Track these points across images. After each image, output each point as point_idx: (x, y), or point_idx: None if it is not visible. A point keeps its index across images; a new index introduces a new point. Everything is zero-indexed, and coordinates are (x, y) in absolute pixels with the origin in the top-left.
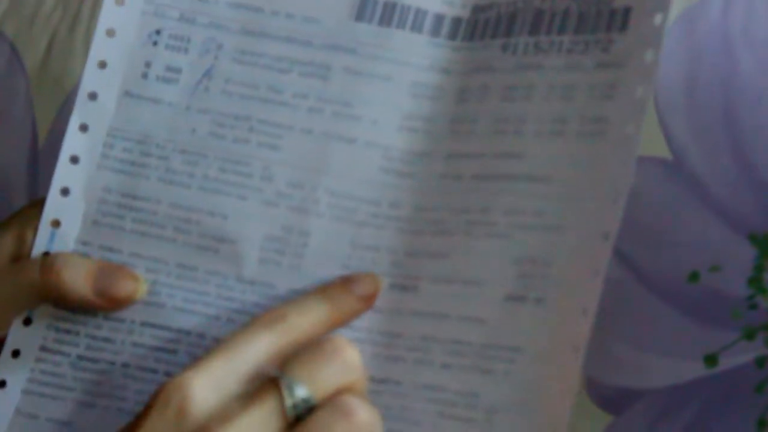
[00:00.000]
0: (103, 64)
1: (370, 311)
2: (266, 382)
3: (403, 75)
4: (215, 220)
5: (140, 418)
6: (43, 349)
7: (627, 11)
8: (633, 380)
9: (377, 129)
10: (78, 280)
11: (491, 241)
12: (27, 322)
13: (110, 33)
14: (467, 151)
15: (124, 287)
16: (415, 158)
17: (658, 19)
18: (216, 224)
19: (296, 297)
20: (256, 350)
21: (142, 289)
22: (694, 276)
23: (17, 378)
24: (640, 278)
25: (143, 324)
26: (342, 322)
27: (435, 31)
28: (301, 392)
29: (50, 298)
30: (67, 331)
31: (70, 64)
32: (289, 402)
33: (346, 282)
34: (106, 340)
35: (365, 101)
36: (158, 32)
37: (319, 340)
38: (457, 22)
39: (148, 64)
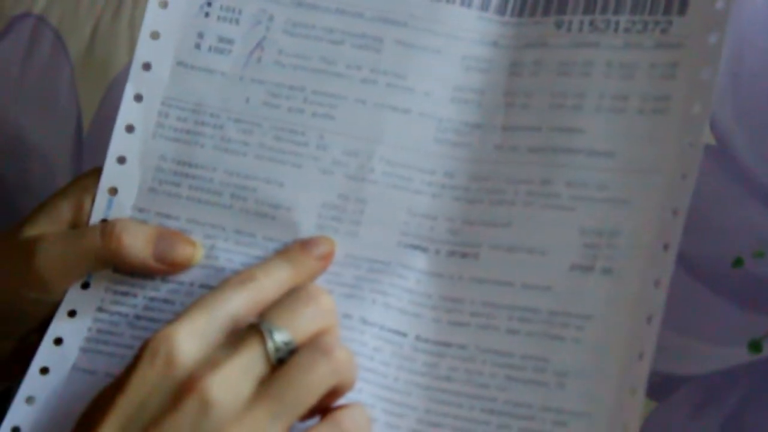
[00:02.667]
0: (156, 35)
1: (427, 276)
2: (248, 330)
3: (454, 48)
4: (271, 188)
5: (129, 370)
6: (100, 310)
7: None
8: (677, 366)
9: (430, 100)
10: (138, 245)
11: (554, 212)
12: (85, 285)
13: (163, 4)
14: (523, 124)
15: (182, 252)
16: (468, 129)
17: (720, 3)
18: (272, 192)
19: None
20: (232, 304)
21: (199, 254)
22: (738, 261)
23: (74, 336)
24: (684, 264)
25: (202, 286)
26: (304, 279)
27: (484, 6)
28: (282, 336)
29: (110, 263)
30: (125, 293)
31: (114, 52)
32: (271, 346)
33: (304, 245)
34: (165, 301)
35: (418, 73)
36: (210, 4)
37: (295, 288)
38: None
39: (200, 35)
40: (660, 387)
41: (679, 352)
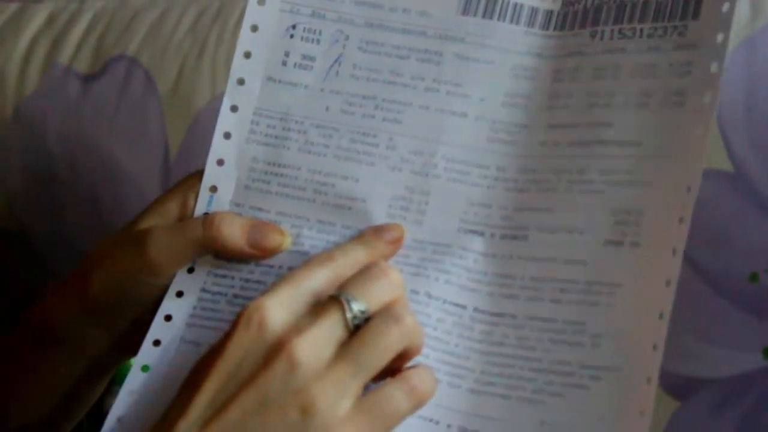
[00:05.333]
0: (248, 55)
1: (483, 256)
2: (329, 301)
3: (505, 60)
4: (348, 183)
5: (226, 336)
6: (204, 290)
7: (699, 1)
8: (698, 369)
9: (484, 105)
10: (235, 234)
11: (589, 197)
12: (190, 270)
13: (254, 28)
14: (564, 122)
15: (272, 239)
16: (517, 129)
17: (726, 7)
18: (349, 186)
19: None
20: (314, 279)
21: (287, 241)
22: (754, 277)
23: (181, 313)
24: (705, 278)
25: (290, 269)
26: (376, 260)
27: (531, 22)
28: (358, 305)
29: (211, 250)
30: (224, 276)
31: (197, 89)
32: (349, 314)
33: (377, 230)
34: (258, 282)
35: (473, 82)
36: (294, 27)
37: (368, 265)
38: (549, 14)
39: (286, 54)
40: (683, 388)
41: (699, 356)
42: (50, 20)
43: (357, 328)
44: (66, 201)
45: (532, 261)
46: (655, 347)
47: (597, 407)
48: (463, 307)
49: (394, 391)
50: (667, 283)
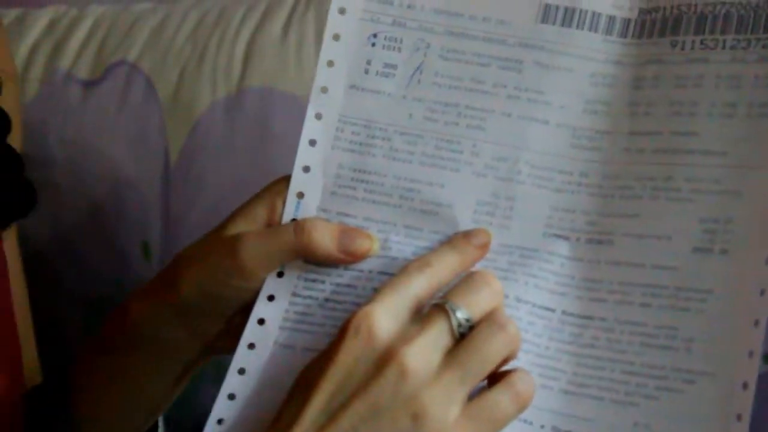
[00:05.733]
0: (331, 63)
1: (570, 260)
2: (434, 309)
3: (584, 67)
4: (434, 189)
5: (336, 344)
6: (295, 294)
7: None
8: None
9: (565, 112)
10: (325, 240)
11: (677, 204)
12: (280, 274)
13: (336, 37)
14: (647, 130)
15: (362, 245)
16: (599, 135)
17: None
18: (434, 192)
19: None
20: (415, 286)
21: (375, 246)
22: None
23: (274, 317)
24: None
25: (380, 272)
26: (468, 265)
27: (609, 30)
28: (463, 314)
29: (302, 255)
30: (314, 280)
31: (198, 94)
32: (455, 322)
33: (466, 236)
34: (349, 286)
35: (554, 89)
36: (375, 35)
37: (471, 273)
38: (626, 22)
39: (368, 62)
40: None
41: None
42: (51, 26)
43: (462, 336)
44: (66, 206)
45: (620, 265)
46: (751, 354)
47: (693, 411)
48: (552, 310)
49: (500, 396)
50: (762, 292)
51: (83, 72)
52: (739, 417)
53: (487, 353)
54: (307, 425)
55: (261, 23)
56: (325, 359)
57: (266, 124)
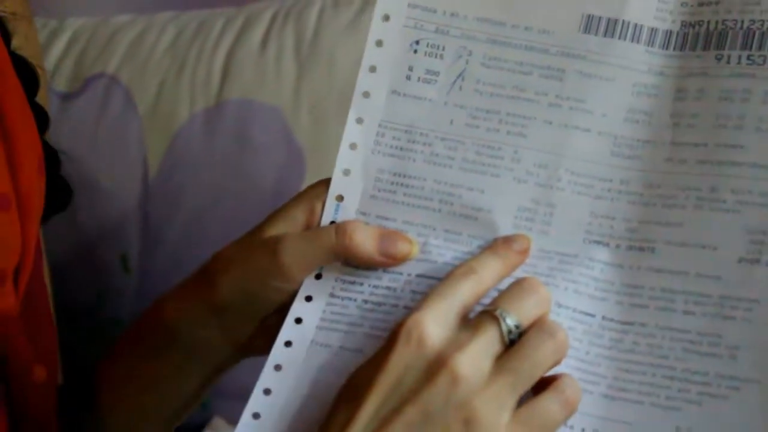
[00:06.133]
0: (373, 69)
1: (610, 267)
2: (484, 316)
3: (626, 77)
4: (474, 194)
5: (386, 350)
6: (332, 296)
7: None
8: None
9: (606, 121)
10: (366, 242)
11: (722, 215)
12: (318, 276)
13: (379, 43)
14: (691, 141)
15: (402, 248)
16: (640, 144)
17: None
18: (475, 197)
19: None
20: (462, 292)
21: (415, 250)
22: None
23: (311, 317)
24: None
25: (419, 276)
26: (510, 270)
27: (651, 42)
28: (513, 321)
29: (342, 257)
30: (352, 282)
31: (177, 107)
32: (505, 329)
33: (507, 241)
34: (388, 288)
35: (595, 98)
36: (417, 42)
37: (519, 280)
38: (668, 34)
39: (410, 68)
40: None
41: None
42: None
43: (512, 343)
44: None
45: (662, 273)
46: None
47: (737, 417)
48: (592, 315)
49: (550, 403)
50: None
51: (62, 84)
52: None
53: (537, 360)
54: (358, 429)
55: (240, 36)
56: (376, 365)
57: (245, 136)
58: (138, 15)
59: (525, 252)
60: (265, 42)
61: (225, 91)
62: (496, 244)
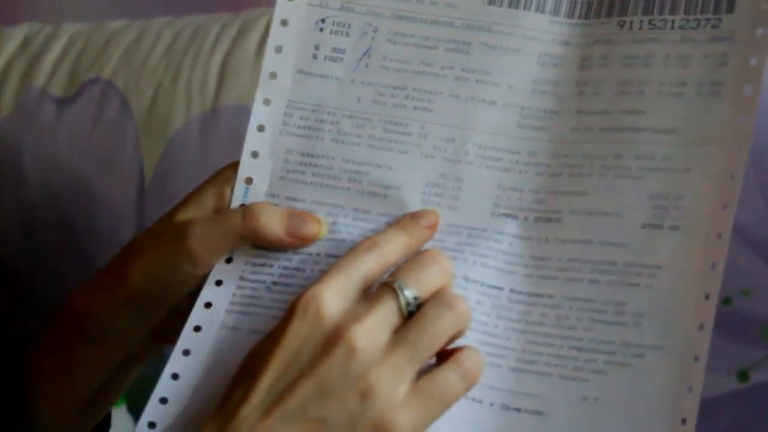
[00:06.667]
0: (279, 49)
1: (518, 239)
2: (383, 288)
3: (531, 47)
4: (382, 171)
5: (284, 324)
6: (242, 279)
7: None
8: None
9: (513, 92)
10: (273, 223)
11: (626, 182)
12: (229, 260)
13: (284, 23)
14: (595, 109)
15: (310, 228)
16: (547, 115)
17: (765, 5)
18: (383, 174)
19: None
20: (364, 266)
21: (324, 229)
22: (727, 300)
23: (221, 301)
24: None
25: (328, 255)
26: (416, 245)
27: (556, 11)
28: (412, 292)
29: (250, 240)
30: (262, 264)
31: (173, 111)
32: (403, 300)
33: (414, 216)
34: (297, 269)
35: (501, 70)
36: (323, 20)
37: (420, 252)
38: (574, 3)
39: (316, 47)
40: None
41: None
42: (25, 43)
43: (410, 314)
44: (41, 224)
45: (568, 243)
46: (701, 327)
47: (643, 384)
48: (500, 288)
49: (449, 375)
50: (713, 266)
51: (57, 89)
52: (690, 389)
53: (434, 331)
54: (254, 405)
55: (236, 41)
56: (273, 340)
57: (241, 142)
58: (134, 20)
59: (433, 227)
60: (261, 48)
61: (221, 97)
62: (402, 220)
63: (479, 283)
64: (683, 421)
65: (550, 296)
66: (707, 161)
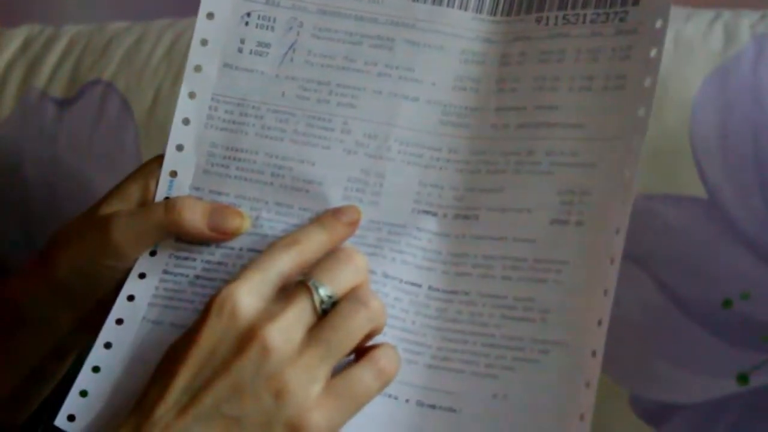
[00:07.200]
0: (205, 42)
1: (437, 236)
2: (297, 287)
3: (454, 45)
4: (305, 166)
5: (200, 323)
6: (165, 272)
7: None
8: (672, 395)
9: (435, 89)
10: (195, 217)
11: (537, 177)
12: (153, 253)
13: (210, 16)
14: (512, 105)
15: (232, 222)
16: (468, 112)
17: None
18: (305, 170)
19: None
20: (281, 264)
21: (247, 224)
22: (727, 303)
23: (143, 294)
24: (678, 305)
25: (250, 250)
26: (336, 242)
27: (479, 9)
28: (326, 291)
29: (173, 233)
30: (185, 258)
31: (173, 113)
32: (317, 299)
33: (335, 212)
34: (219, 263)
35: (424, 67)
36: (249, 14)
37: (334, 250)
38: (496, 1)
39: (242, 41)
40: (657, 415)
41: (673, 383)
42: (26, 45)
43: (325, 313)
44: (41, 224)
45: (484, 240)
46: (600, 322)
47: (545, 379)
48: (419, 285)
49: (363, 373)
50: (611, 261)
51: (58, 91)
52: (587, 384)
53: (348, 329)
54: (170, 405)
55: None
56: (189, 338)
57: None
58: (135, 22)
59: (354, 224)
60: None
61: None
62: (323, 216)
63: (398, 280)
64: (581, 417)
65: (466, 293)
66: (609, 155)
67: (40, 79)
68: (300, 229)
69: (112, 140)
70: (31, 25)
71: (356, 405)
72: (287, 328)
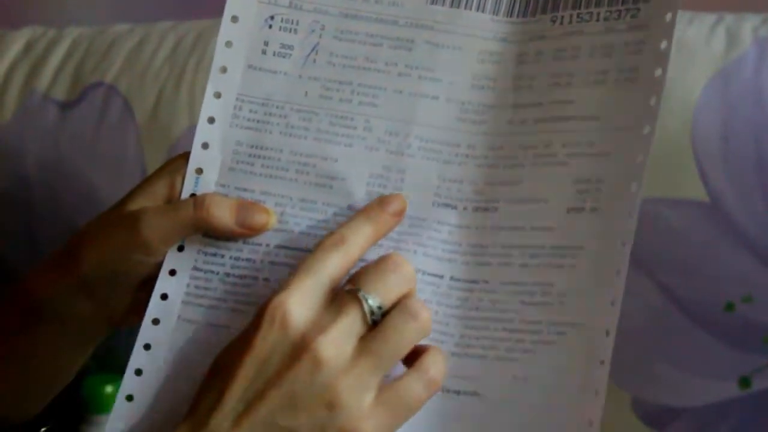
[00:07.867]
0: (229, 44)
1: (457, 228)
2: (347, 296)
3: (472, 45)
4: (328, 163)
5: (250, 332)
6: (195, 269)
7: None
8: (674, 399)
9: (454, 88)
10: (223, 214)
11: (554, 168)
12: (180, 249)
13: (234, 19)
14: (529, 101)
15: (259, 218)
16: (486, 109)
17: None
18: (329, 166)
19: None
20: (330, 267)
21: (273, 220)
22: (729, 306)
23: (176, 292)
24: (681, 308)
25: (277, 246)
26: (383, 234)
27: (496, 10)
28: (375, 302)
29: (201, 230)
30: (214, 254)
31: (175, 117)
32: (367, 310)
33: (381, 203)
34: (248, 260)
35: (443, 66)
36: (272, 17)
37: (382, 257)
38: (512, 2)
39: (266, 43)
40: (660, 418)
41: (676, 386)
42: (28, 47)
43: (375, 323)
44: (43, 228)
45: (502, 230)
46: (612, 302)
47: (562, 360)
48: (441, 276)
49: (414, 383)
50: (623, 244)
51: (60, 93)
52: (601, 362)
53: (398, 341)
54: (226, 412)
55: None
56: (242, 346)
57: None
58: (137, 24)
59: (400, 213)
60: None
61: None
62: (369, 207)
63: (421, 272)
64: (596, 392)
65: (486, 281)
66: (623, 144)
67: (43, 82)
68: (345, 223)
69: (114, 142)
70: (34, 28)
71: (406, 414)
72: (338, 340)
